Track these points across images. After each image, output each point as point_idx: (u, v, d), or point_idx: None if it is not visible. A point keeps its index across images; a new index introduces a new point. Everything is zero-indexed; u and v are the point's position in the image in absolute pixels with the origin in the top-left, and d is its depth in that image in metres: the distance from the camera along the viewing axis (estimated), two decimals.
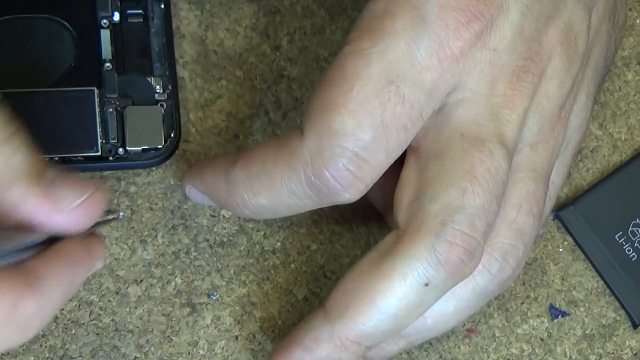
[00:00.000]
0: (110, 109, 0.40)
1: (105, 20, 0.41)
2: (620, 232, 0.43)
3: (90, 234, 0.32)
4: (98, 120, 0.40)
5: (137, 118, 0.40)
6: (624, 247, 0.43)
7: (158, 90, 0.41)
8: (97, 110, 0.40)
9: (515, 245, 0.36)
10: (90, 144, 0.40)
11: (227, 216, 0.41)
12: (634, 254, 0.43)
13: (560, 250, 0.43)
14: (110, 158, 0.40)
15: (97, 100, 0.40)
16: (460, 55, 0.34)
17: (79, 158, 0.40)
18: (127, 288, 0.40)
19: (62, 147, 0.40)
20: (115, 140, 0.40)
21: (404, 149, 0.35)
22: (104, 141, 0.40)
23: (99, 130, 0.40)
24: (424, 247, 0.34)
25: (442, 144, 0.35)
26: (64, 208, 0.30)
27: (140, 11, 0.41)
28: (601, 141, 0.44)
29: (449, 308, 0.37)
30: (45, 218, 0.30)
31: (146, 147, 0.40)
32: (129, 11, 0.41)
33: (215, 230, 0.41)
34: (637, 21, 0.46)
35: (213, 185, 0.37)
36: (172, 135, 0.40)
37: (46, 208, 0.30)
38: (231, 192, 0.36)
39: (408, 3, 0.33)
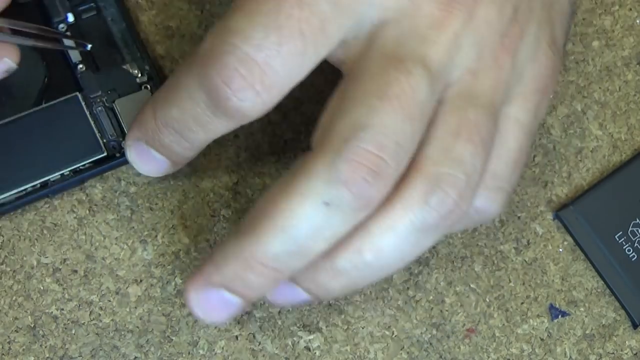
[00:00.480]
0: (99, 108, 0.40)
1: (61, 25, 0.41)
2: (620, 232, 0.43)
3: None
4: (91, 122, 0.40)
5: (128, 108, 0.40)
6: (624, 247, 0.43)
7: (137, 75, 0.41)
8: (87, 113, 0.40)
9: (453, 174, 0.33)
10: (93, 148, 0.40)
11: (227, 216, 0.41)
12: (634, 254, 0.43)
13: (560, 250, 0.43)
14: (117, 154, 0.40)
15: (83, 103, 0.40)
16: None
17: (89, 165, 0.40)
18: (127, 288, 0.40)
19: (68, 160, 0.40)
20: (115, 136, 0.40)
21: (307, 66, 0.33)
22: (104, 140, 0.40)
23: (96, 131, 0.40)
24: (322, 165, 0.32)
25: (364, 64, 0.33)
26: None
27: (92, 4, 0.41)
28: (601, 141, 0.44)
29: (387, 242, 0.34)
30: None
31: None
32: (80, 8, 0.41)
33: (215, 230, 0.41)
34: (637, 21, 0.46)
35: (143, 121, 0.37)
36: None
37: None
38: (154, 115, 0.36)
39: None
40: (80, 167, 0.40)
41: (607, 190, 0.43)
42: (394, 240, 0.34)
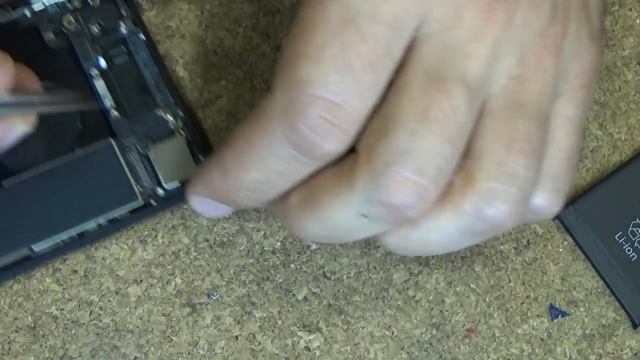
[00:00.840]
0: (133, 155, 0.40)
1: (93, 70, 0.40)
2: (620, 232, 0.43)
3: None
4: (126, 169, 0.39)
5: (163, 155, 0.40)
6: (624, 247, 0.43)
7: (170, 119, 0.41)
8: (122, 160, 0.39)
9: (507, 190, 0.33)
10: (129, 196, 0.39)
11: (227, 216, 0.41)
12: (634, 254, 0.43)
13: (560, 250, 0.43)
14: (153, 202, 0.40)
15: (117, 150, 0.39)
16: None
17: (126, 214, 0.40)
18: (127, 288, 0.40)
19: (103, 209, 0.39)
20: (150, 183, 0.40)
21: (382, 89, 0.33)
22: (140, 189, 0.40)
23: (131, 179, 0.39)
24: (363, 183, 0.33)
25: (406, 80, 0.33)
26: None
27: (122, 48, 0.41)
28: (601, 141, 0.44)
29: (434, 237, 0.34)
30: None
31: (182, 179, 0.40)
32: (111, 52, 0.41)
33: (215, 230, 0.41)
34: (637, 21, 0.46)
35: (210, 181, 0.37)
36: (202, 158, 0.40)
37: None
38: (226, 178, 0.35)
39: None
40: (117, 218, 0.39)
41: (607, 191, 0.43)
42: (442, 237, 0.34)
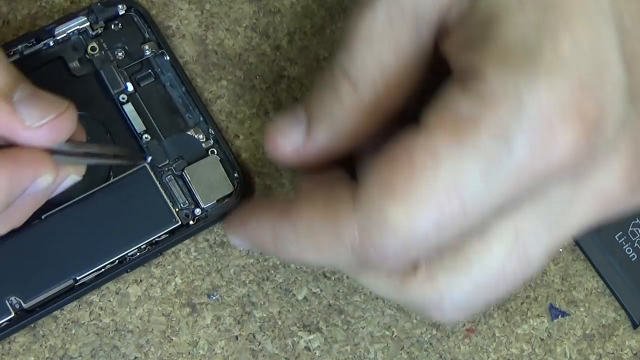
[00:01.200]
0: (168, 177, 0.40)
1: (122, 95, 0.41)
2: (620, 232, 0.43)
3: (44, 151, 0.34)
4: (162, 192, 0.40)
5: (198, 175, 0.40)
6: (624, 247, 0.43)
7: (202, 139, 0.41)
8: (157, 183, 0.40)
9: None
10: (167, 218, 0.40)
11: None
12: (634, 254, 0.43)
13: (561, 250, 0.43)
14: (192, 222, 0.40)
15: (152, 174, 0.40)
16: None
17: (164, 235, 0.40)
18: (127, 288, 0.40)
19: (142, 233, 0.39)
20: (187, 204, 0.40)
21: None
22: (177, 210, 0.40)
23: (168, 201, 0.40)
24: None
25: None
26: (30, 125, 0.33)
27: (149, 71, 0.41)
28: None
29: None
30: (11, 133, 0.33)
31: (219, 197, 0.40)
32: (138, 76, 0.41)
33: (215, 230, 0.41)
34: None
35: (260, 240, 0.36)
36: (236, 174, 0.40)
37: (14, 124, 0.33)
38: (279, 249, 0.35)
39: (498, 116, 0.30)
40: (156, 240, 0.40)
41: None
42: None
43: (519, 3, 0.30)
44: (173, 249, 0.41)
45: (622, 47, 0.31)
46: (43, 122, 0.34)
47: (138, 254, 0.39)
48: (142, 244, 0.39)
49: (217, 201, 0.40)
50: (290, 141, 0.35)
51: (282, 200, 0.35)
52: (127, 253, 0.39)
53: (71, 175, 0.36)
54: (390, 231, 0.31)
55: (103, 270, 0.39)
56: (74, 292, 0.39)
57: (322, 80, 0.35)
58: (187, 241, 0.41)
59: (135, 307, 0.40)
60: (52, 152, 0.34)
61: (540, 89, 0.29)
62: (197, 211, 0.40)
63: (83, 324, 0.40)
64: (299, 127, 0.35)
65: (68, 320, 0.40)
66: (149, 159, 0.40)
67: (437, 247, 0.32)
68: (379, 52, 0.33)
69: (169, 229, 0.40)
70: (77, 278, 0.39)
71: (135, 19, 0.41)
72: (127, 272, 0.40)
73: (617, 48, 0.30)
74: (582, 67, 0.30)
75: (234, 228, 0.37)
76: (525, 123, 0.29)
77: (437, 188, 0.30)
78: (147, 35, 0.41)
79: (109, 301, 0.40)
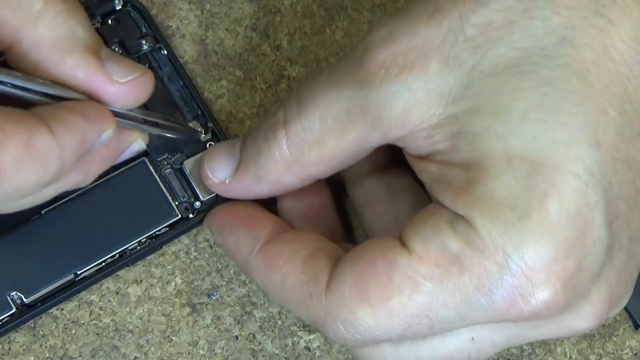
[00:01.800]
0: (167, 170, 0.40)
1: None
2: None
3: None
4: (162, 185, 0.40)
5: (197, 168, 0.40)
6: None
7: (201, 132, 0.41)
8: (156, 177, 0.40)
9: None
10: (167, 212, 0.40)
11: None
12: None
13: None
14: (191, 215, 0.40)
15: (151, 168, 0.40)
16: None
17: (165, 229, 0.40)
18: (127, 288, 0.40)
19: (142, 227, 0.39)
20: (187, 197, 0.40)
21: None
22: (177, 203, 0.40)
23: (167, 194, 0.40)
24: None
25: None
26: (117, 80, 0.34)
27: (146, 66, 0.41)
28: None
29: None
30: (99, 87, 0.34)
31: None
32: None
33: None
34: None
35: (232, 254, 0.38)
36: None
37: (101, 78, 0.34)
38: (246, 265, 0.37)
39: (484, 267, 0.32)
40: (156, 233, 0.40)
41: None
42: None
43: (507, 160, 0.31)
44: (173, 249, 0.41)
45: (607, 206, 0.32)
46: (129, 79, 0.35)
47: (138, 247, 0.39)
48: (142, 238, 0.39)
49: (216, 194, 0.40)
50: (218, 173, 0.38)
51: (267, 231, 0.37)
52: (128, 247, 0.39)
53: (138, 140, 0.37)
54: (355, 329, 0.33)
55: (103, 264, 0.39)
56: (75, 287, 0.39)
57: (267, 119, 0.36)
58: (187, 241, 0.41)
59: (135, 307, 0.40)
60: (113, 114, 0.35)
61: (527, 251, 0.31)
62: (197, 204, 0.40)
63: (83, 324, 0.40)
64: (230, 163, 0.37)
65: (68, 320, 0.40)
66: (202, 135, 0.40)
67: (397, 340, 0.34)
68: (325, 130, 0.34)
69: (168, 223, 0.40)
70: (78, 272, 0.39)
71: (132, 14, 0.41)
72: (128, 265, 0.40)
73: (602, 209, 0.32)
74: (567, 230, 0.31)
75: (214, 232, 0.39)
76: (508, 280, 0.31)
77: (409, 309, 0.32)
78: (144, 30, 0.41)
79: (109, 301, 0.40)
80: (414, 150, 0.34)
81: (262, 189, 0.37)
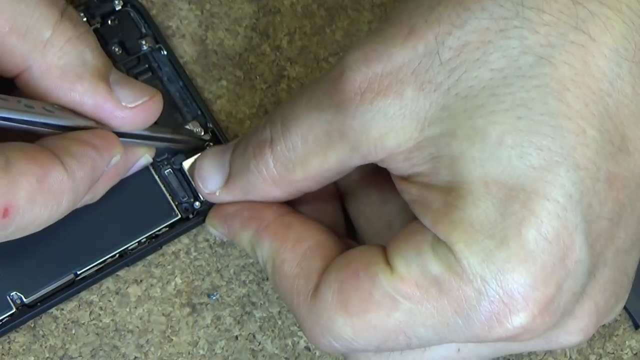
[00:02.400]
0: (167, 171, 0.40)
1: None
2: None
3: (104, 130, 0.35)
4: (162, 186, 0.40)
5: None
6: None
7: (200, 133, 0.41)
8: (156, 177, 0.40)
9: None
10: (167, 212, 0.40)
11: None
12: None
13: None
14: (191, 216, 0.40)
15: (151, 168, 0.40)
16: None
17: (164, 229, 0.40)
18: (127, 288, 0.40)
19: (142, 227, 0.39)
20: (187, 197, 0.40)
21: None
22: (177, 203, 0.40)
23: (167, 195, 0.40)
24: None
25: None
26: (126, 105, 0.35)
27: (146, 66, 0.41)
28: None
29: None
30: (108, 113, 0.35)
31: None
32: (135, 71, 0.41)
33: None
34: None
35: (235, 239, 0.39)
36: None
37: (110, 104, 0.35)
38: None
39: (463, 292, 0.32)
40: (157, 233, 0.40)
41: None
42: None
43: (484, 185, 0.31)
44: (173, 249, 0.41)
45: (587, 228, 0.32)
46: (138, 103, 0.35)
47: (138, 247, 0.39)
48: (142, 238, 0.39)
49: None
50: (209, 185, 0.38)
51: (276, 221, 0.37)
52: (128, 247, 0.39)
53: (145, 156, 0.38)
54: (332, 336, 0.34)
55: (103, 264, 0.39)
56: (75, 287, 0.39)
57: (255, 134, 0.36)
58: (187, 241, 0.41)
59: (135, 307, 0.40)
60: (118, 135, 0.36)
61: (504, 278, 0.31)
62: (197, 204, 0.40)
63: (83, 324, 0.40)
64: (220, 174, 0.38)
65: (68, 320, 0.40)
66: (210, 145, 0.41)
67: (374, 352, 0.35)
68: (307, 151, 0.35)
69: (168, 223, 0.40)
70: (78, 273, 0.39)
71: (132, 14, 0.41)
72: (128, 266, 0.40)
73: (582, 231, 0.32)
74: (545, 257, 0.31)
75: (217, 226, 0.39)
76: (486, 306, 0.31)
77: (387, 325, 0.33)
78: (144, 31, 0.41)
79: (109, 301, 0.40)
80: (395, 171, 0.34)
81: (254, 199, 0.37)
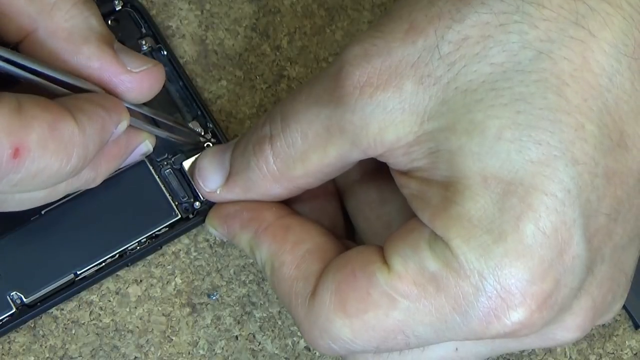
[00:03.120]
0: (167, 171, 0.40)
1: None
2: None
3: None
4: (162, 185, 0.40)
5: None
6: None
7: (200, 132, 0.41)
8: (156, 177, 0.40)
9: None
10: (167, 212, 0.40)
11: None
12: None
13: None
14: (191, 216, 0.40)
15: (151, 168, 0.40)
16: None
17: (164, 229, 0.40)
18: (127, 288, 0.40)
19: (142, 227, 0.39)
20: (187, 197, 0.40)
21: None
22: (177, 203, 0.40)
23: (167, 194, 0.40)
24: None
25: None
26: (131, 69, 0.35)
27: None
28: None
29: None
30: (114, 76, 0.35)
31: None
32: None
33: None
34: None
35: (234, 240, 0.39)
36: None
37: (116, 67, 0.35)
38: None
39: (460, 288, 0.32)
40: (156, 233, 0.40)
41: None
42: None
43: (483, 180, 0.31)
44: (173, 249, 0.41)
45: (585, 223, 0.32)
46: (143, 69, 0.35)
47: (138, 247, 0.39)
48: (142, 238, 0.39)
49: None
50: (209, 183, 0.38)
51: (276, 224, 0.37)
52: (128, 247, 0.39)
53: (145, 142, 0.38)
54: (330, 338, 0.34)
55: (103, 264, 0.39)
56: (75, 287, 0.39)
57: (255, 131, 0.36)
58: (187, 241, 0.41)
59: (135, 307, 0.40)
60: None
61: (502, 274, 0.31)
62: (197, 204, 0.40)
63: (83, 324, 0.40)
64: (220, 173, 0.38)
65: (68, 320, 0.40)
66: (209, 144, 0.41)
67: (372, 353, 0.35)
68: (307, 147, 0.35)
69: (168, 223, 0.40)
70: (78, 272, 0.39)
71: (132, 14, 0.41)
72: (128, 266, 0.40)
73: (580, 226, 0.32)
74: (543, 251, 0.31)
75: (217, 225, 0.39)
76: (483, 301, 0.31)
77: (386, 324, 0.33)
78: (144, 31, 0.41)
79: (109, 301, 0.40)
80: (395, 165, 0.34)
81: (253, 198, 0.37)
